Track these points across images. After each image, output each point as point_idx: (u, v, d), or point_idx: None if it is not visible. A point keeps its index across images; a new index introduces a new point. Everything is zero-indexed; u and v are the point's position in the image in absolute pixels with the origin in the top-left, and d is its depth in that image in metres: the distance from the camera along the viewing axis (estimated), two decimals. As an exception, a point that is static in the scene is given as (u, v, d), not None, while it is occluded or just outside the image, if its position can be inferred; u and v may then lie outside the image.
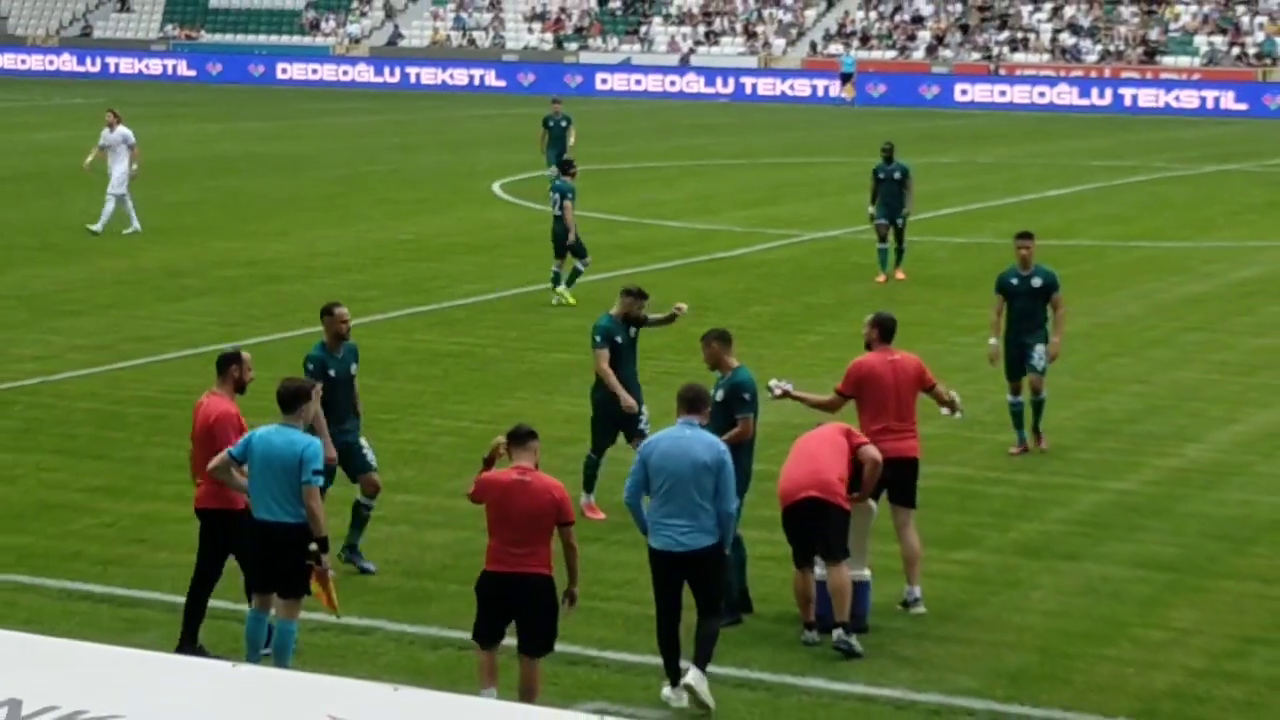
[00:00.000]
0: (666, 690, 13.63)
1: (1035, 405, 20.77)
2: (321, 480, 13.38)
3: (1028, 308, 20.76)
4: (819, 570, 14.91)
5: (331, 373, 16.24)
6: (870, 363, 16.42)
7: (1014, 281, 20.75)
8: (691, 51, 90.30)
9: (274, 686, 9.46)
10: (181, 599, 15.11)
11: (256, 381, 14.72)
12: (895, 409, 16.14)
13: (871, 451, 15.15)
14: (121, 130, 38.15)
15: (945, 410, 16.85)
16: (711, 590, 13.64)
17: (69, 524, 17.88)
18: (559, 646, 14.28)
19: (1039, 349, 20.66)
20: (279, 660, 13.44)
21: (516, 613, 12.95)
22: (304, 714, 8.59)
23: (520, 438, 13.01)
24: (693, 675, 13.43)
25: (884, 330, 16.65)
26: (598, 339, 18.28)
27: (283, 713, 8.65)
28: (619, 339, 18.30)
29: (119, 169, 37.65)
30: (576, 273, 30.16)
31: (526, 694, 12.90)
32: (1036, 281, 20.70)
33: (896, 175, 32.05)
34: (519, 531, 12.79)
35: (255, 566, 13.60)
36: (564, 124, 43.21)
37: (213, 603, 14.22)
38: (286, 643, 13.51)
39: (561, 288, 29.89)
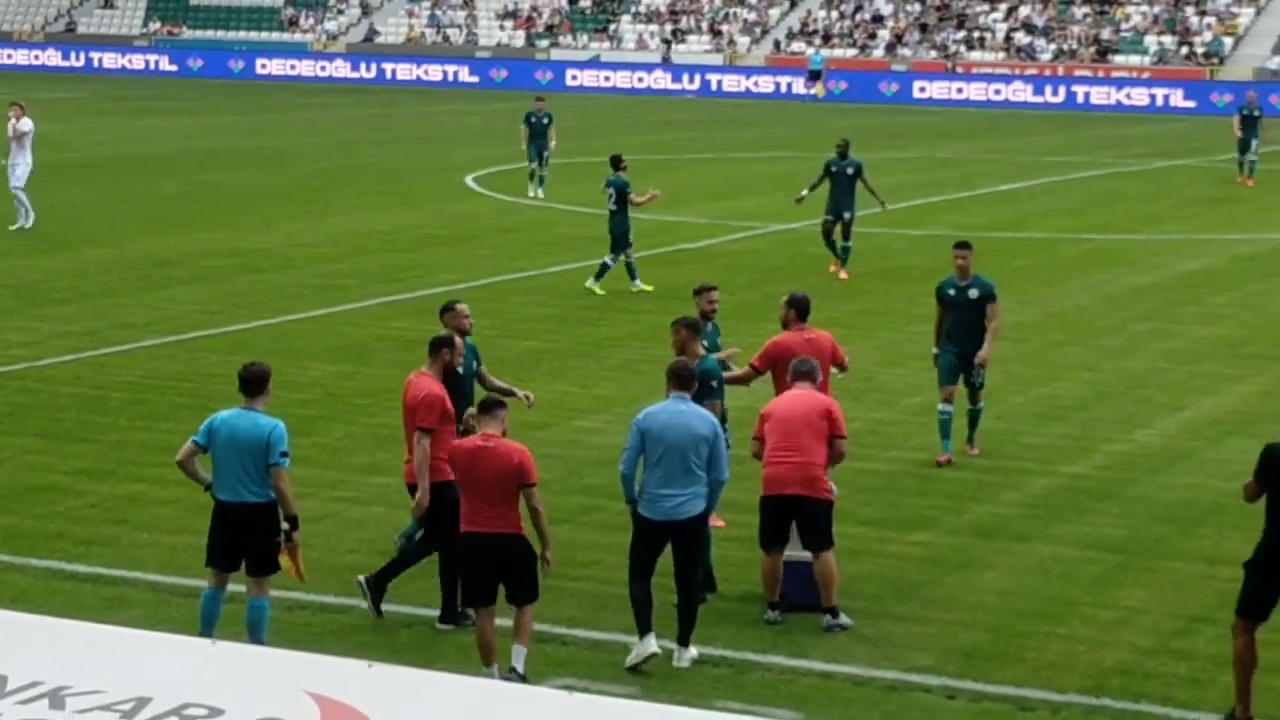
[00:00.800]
0: (641, 642, 13.79)
1: (972, 415, 20.06)
2: (288, 461, 13.35)
3: (965, 317, 19.78)
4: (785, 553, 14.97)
5: (459, 370, 15.91)
6: (787, 341, 16.67)
7: (951, 292, 19.90)
8: (670, 49, 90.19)
9: (252, 662, 9.45)
10: (162, 578, 15.12)
11: (235, 366, 14.66)
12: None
13: (842, 446, 15.13)
14: (27, 121, 36.64)
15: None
16: (695, 556, 13.98)
17: (53, 505, 17.83)
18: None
19: (977, 360, 19.79)
20: (254, 635, 13.41)
21: (498, 570, 13.26)
22: (281, 689, 8.58)
23: (488, 407, 13.42)
24: (685, 658, 13.83)
25: (799, 310, 17.03)
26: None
27: (260, 688, 8.64)
28: None
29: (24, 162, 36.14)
30: (605, 266, 30.10)
31: (521, 635, 13.34)
32: (974, 292, 19.88)
33: (849, 171, 31.55)
34: (487, 494, 13.16)
35: (220, 546, 13.52)
36: (545, 121, 43.03)
37: (187, 581, 14.11)
38: (260, 618, 13.50)
39: (638, 282, 29.89)
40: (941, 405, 19.76)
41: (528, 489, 13.18)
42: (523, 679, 13.20)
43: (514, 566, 13.27)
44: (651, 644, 13.74)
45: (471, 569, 13.38)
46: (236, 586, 13.79)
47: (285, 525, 13.30)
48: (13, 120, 36.83)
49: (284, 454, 13.29)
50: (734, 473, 16.14)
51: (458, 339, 15.34)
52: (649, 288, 29.82)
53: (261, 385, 13.55)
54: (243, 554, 13.45)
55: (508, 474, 13.13)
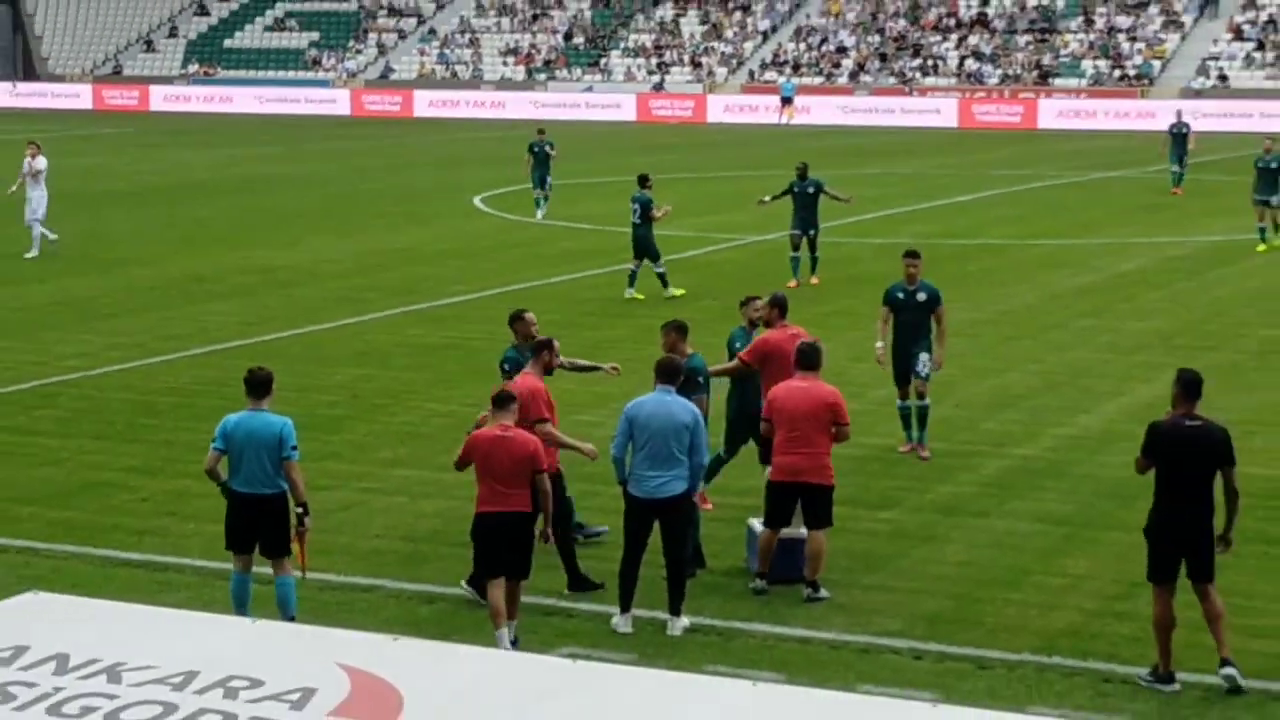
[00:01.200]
0: (617, 619, 13.96)
1: (920, 411, 19.64)
2: (298, 454, 13.39)
3: (913, 320, 19.42)
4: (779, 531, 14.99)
5: (505, 367, 15.99)
6: (774, 338, 16.71)
7: (900, 295, 19.54)
8: (663, 80, 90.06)
9: (287, 638, 9.46)
10: (208, 563, 15.14)
11: (277, 372, 14.64)
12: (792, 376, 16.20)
13: (845, 433, 15.05)
14: (42, 160, 35.92)
15: None
16: (681, 532, 14.03)
17: (108, 500, 17.83)
18: (537, 599, 14.36)
19: (923, 357, 19.46)
20: (284, 610, 13.47)
21: (504, 544, 13.35)
22: (315, 661, 8.58)
23: (501, 401, 13.52)
24: (678, 627, 13.88)
25: (781, 308, 17.12)
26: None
27: (296, 661, 8.64)
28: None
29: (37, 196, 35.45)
30: (633, 274, 30.09)
31: (512, 609, 13.46)
32: (921, 296, 19.40)
33: (810, 190, 31.31)
34: (503, 479, 13.26)
35: (237, 532, 13.55)
36: (548, 149, 42.52)
37: (229, 566, 14.03)
38: (288, 594, 13.56)
39: (671, 289, 29.89)
40: (899, 402, 19.74)
41: (540, 474, 13.31)
42: (515, 645, 13.35)
43: (520, 542, 13.41)
44: (626, 625, 13.84)
45: (485, 544, 13.44)
46: (264, 569, 13.79)
47: (299, 510, 13.35)
48: (29, 158, 36.24)
49: (294, 448, 13.34)
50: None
51: (555, 342, 15.36)
52: (640, 296, 29.84)
53: (267, 387, 13.58)
54: (256, 539, 13.48)
55: (523, 460, 13.25)
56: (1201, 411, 12.92)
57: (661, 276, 30.05)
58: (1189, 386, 12.84)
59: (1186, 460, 12.69)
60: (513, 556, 13.41)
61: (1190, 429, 12.74)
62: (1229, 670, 12.79)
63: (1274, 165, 35.85)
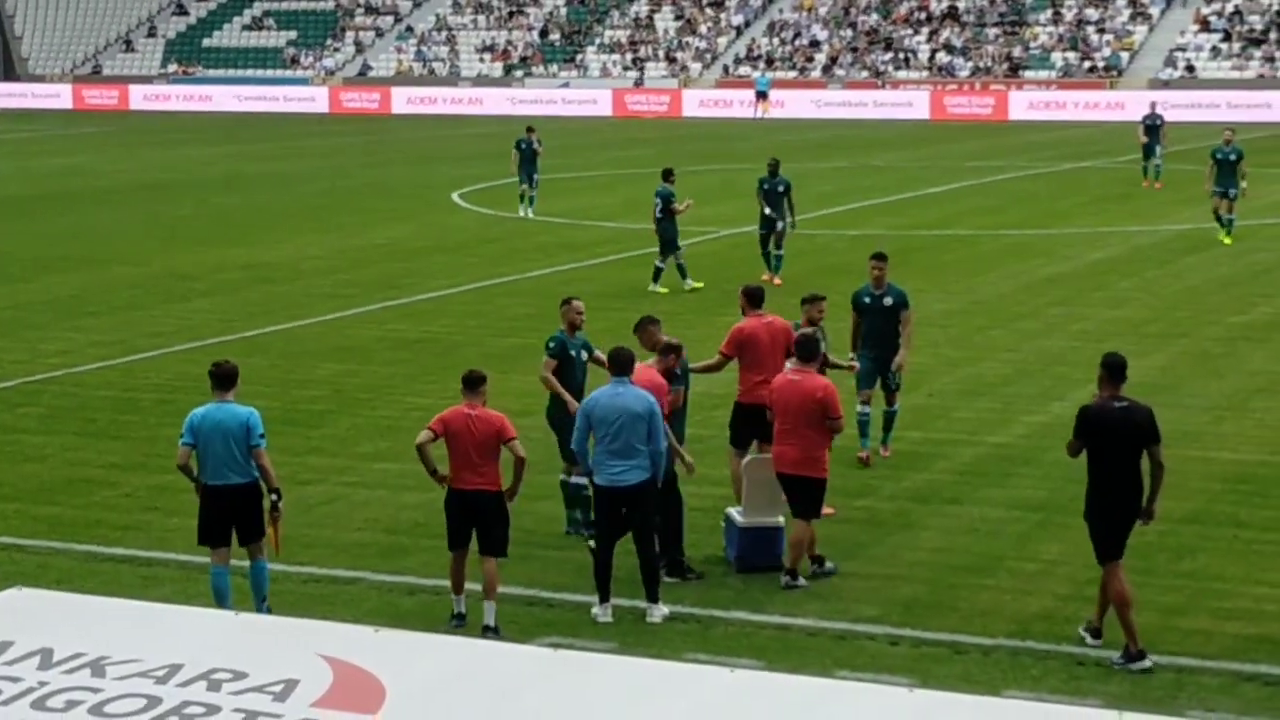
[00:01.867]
0: (596, 609, 14.00)
1: (887, 417, 19.11)
2: (265, 442, 13.49)
3: (879, 324, 18.74)
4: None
5: (571, 353, 16.20)
6: (749, 327, 16.73)
7: (867, 300, 18.96)
8: (642, 76, 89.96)
9: (270, 630, 9.45)
10: (190, 558, 15.12)
11: (253, 367, 14.63)
12: (771, 364, 16.31)
13: (836, 426, 14.98)
14: None
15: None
16: (648, 520, 14.06)
17: (92, 495, 17.80)
18: (519, 590, 14.38)
19: (894, 362, 18.65)
20: (258, 591, 13.66)
21: (476, 522, 13.68)
22: (297, 653, 8.58)
23: (472, 382, 13.85)
24: (657, 615, 13.92)
25: (751, 298, 17.02)
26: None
27: (279, 653, 8.64)
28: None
29: None
30: (659, 269, 30.08)
31: (488, 589, 13.67)
32: (888, 300, 18.71)
33: (780, 188, 30.98)
34: (472, 456, 13.60)
35: (212, 526, 13.62)
36: (536, 146, 42.12)
37: (198, 559, 14.00)
38: (262, 579, 13.73)
39: (689, 280, 29.91)
40: (860, 407, 18.80)
41: (509, 442, 13.61)
42: (496, 632, 13.45)
43: (490, 519, 13.69)
44: (606, 614, 13.89)
45: (455, 518, 13.78)
46: (242, 561, 13.79)
47: (272, 496, 13.44)
48: None
49: (262, 435, 13.46)
50: (695, 450, 16.20)
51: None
52: (700, 284, 29.90)
53: (232, 380, 13.75)
54: (232, 528, 13.57)
55: (491, 435, 13.58)
56: (1127, 393, 13.28)
57: (681, 268, 30.13)
58: (1114, 370, 13.36)
59: (1116, 440, 13.07)
60: (487, 533, 13.67)
61: (1119, 410, 13.15)
62: (1090, 637, 13.25)
63: (1233, 157, 35.47)
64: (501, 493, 13.74)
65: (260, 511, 13.51)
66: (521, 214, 41.52)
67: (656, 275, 30.05)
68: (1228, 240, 35.13)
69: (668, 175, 30.85)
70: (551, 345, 16.31)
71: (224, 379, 13.67)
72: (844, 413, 15.14)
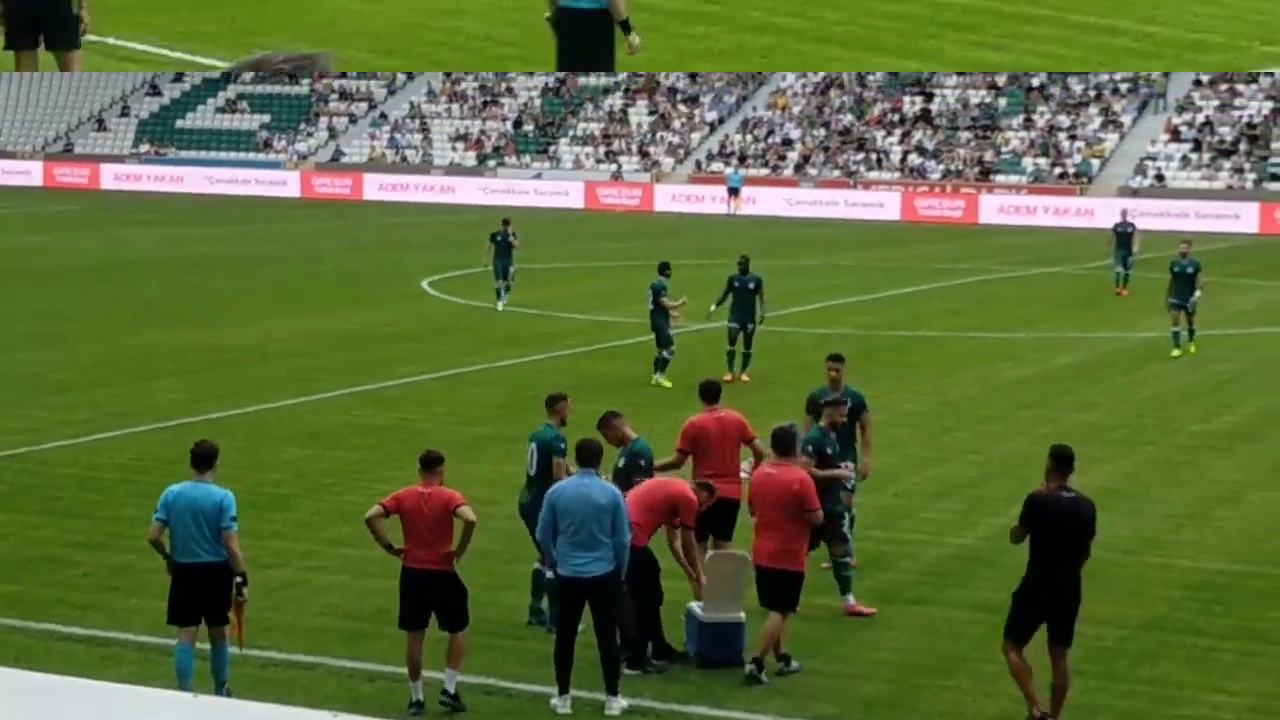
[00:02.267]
0: (555, 700, 13.97)
1: (848, 521, 18.15)
2: (237, 525, 13.56)
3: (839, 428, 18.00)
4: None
5: (562, 445, 16.00)
6: (700, 421, 16.88)
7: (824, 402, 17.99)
8: (619, 168, 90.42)
9: (229, 713, 9.42)
10: (150, 638, 15.05)
11: (225, 450, 14.64)
12: (720, 458, 16.51)
13: (813, 519, 15.05)
14: None
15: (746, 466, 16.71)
16: (610, 611, 14.09)
17: (53, 574, 17.73)
18: (478, 679, 14.36)
19: (850, 468, 17.75)
20: (218, 675, 13.69)
21: (433, 601, 13.85)
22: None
23: (429, 463, 14.02)
24: (616, 707, 13.90)
25: (704, 393, 17.12)
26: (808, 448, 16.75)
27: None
28: None
29: None
30: (664, 360, 30.08)
31: (453, 659, 13.85)
32: (846, 403, 18.02)
33: (750, 285, 30.92)
34: (426, 534, 13.79)
35: (182, 604, 13.67)
36: (511, 239, 41.98)
37: (172, 641, 14.02)
38: (223, 663, 13.76)
39: (657, 375, 29.93)
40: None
41: (458, 509, 13.77)
42: (455, 699, 13.63)
43: (447, 597, 13.85)
44: (565, 705, 13.90)
45: (409, 598, 13.90)
46: (205, 644, 13.77)
47: (238, 579, 13.47)
48: None
49: (233, 518, 13.52)
50: (661, 540, 16.21)
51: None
52: (668, 384, 29.72)
53: (211, 460, 13.79)
54: (202, 608, 13.60)
55: (443, 513, 13.78)
56: (1095, 497, 13.69)
57: (662, 362, 30.07)
58: (1061, 460, 13.66)
59: (1061, 529, 13.40)
60: (446, 610, 13.83)
61: (1067, 500, 13.49)
62: None
63: (1190, 270, 35.31)
64: (455, 572, 13.87)
65: (229, 593, 13.52)
66: (499, 307, 41.16)
67: (660, 366, 30.04)
68: (1177, 353, 34.99)
69: (664, 269, 30.89)
70: (562, 445, 15.95)
71: (203, 458, 13.73)
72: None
